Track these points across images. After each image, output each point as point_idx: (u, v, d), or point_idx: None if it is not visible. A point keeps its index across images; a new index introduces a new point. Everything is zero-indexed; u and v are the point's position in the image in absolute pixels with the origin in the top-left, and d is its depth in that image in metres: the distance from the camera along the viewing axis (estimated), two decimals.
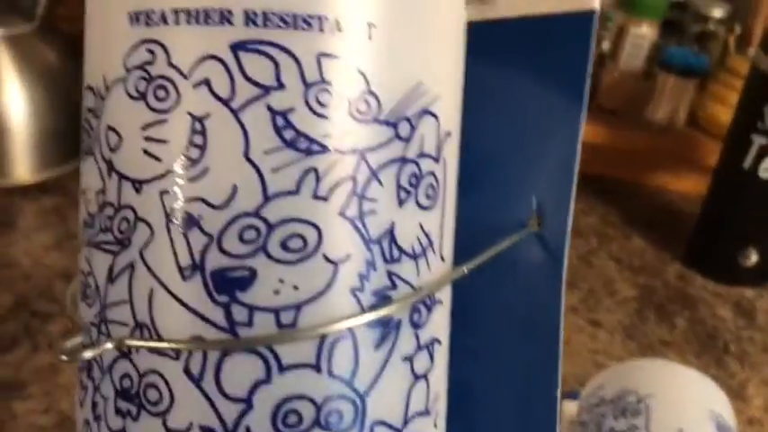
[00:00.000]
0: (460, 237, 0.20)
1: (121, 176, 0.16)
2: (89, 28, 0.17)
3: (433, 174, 0.17)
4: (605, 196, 0.68)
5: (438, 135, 0.17)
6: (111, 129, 0.16)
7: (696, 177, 0.67)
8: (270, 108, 0.15)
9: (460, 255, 0.20)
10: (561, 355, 0.21)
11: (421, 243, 0.17)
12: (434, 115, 0.17)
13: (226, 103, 0.15)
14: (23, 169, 0.56)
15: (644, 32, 0.66)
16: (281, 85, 0.15)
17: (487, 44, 0.18)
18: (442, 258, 0.18)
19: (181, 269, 0.15)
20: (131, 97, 0.16)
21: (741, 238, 0.58)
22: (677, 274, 0.60)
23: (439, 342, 0.18)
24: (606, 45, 0.69)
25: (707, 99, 0.68)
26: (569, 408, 0.41)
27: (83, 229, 0.17)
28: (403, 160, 0.17)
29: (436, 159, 0.17)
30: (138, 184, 0.16)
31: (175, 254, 0.15)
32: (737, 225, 0.58)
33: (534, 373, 0.22)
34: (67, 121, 0.58)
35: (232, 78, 0.15)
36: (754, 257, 0.57)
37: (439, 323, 0.18)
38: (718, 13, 0.68)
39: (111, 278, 0.16)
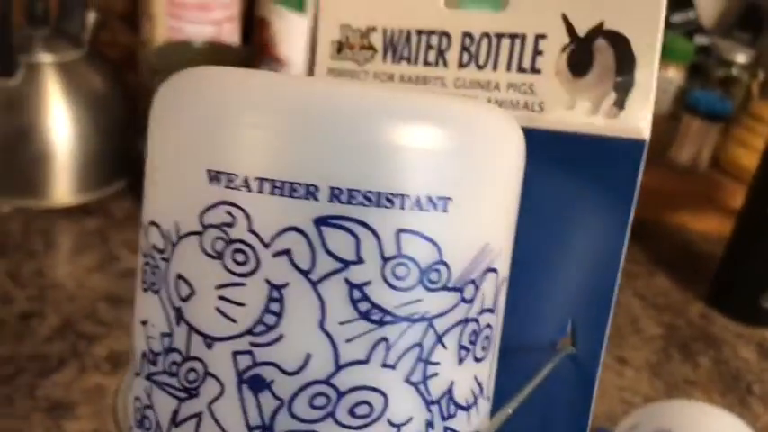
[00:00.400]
0: None
1: (192, 328, 0.16)
2: (157, 163, 0.17)
3: (489, 325, 0.18)
4: (630, 234, 0.69)
5: (496, 286, 0.18)
6: (182, 278, 0.16)
7: (718, 218, 0.68)
8: (348, 281, 0.15)
9: None
10: None
11: (474, 393, 0.18)
12: (495, 270, 0.18)
13: (305, 274, 0.15)
14: (66, 191, 0.58)
15: (671, 76, 0.68)
16: (360, 260, 0.15)
17: (531, 152, 0.19)
18: (489, 399, 0.19)
19: (250, 428, 0.16)
20: (207, 254, 0.16)
21: (763, 280, 0.59)
22: (700, 313, 0.61)
23: None
24: None
25: (730, 143, 0.69)
26: None
27: (141, 359, 0.18)
28: (466, 321, 0.17)
29: (493, 310, 0.18)
30: (209, 340, 0.16)
31: (245, 413, 0.16)
32: (760, 267, 0.59)
33: None
34: (110, 145, 0.60)
35: (313, 251, 0.15)
36: None
37: None
38: (741, 58, 0.70)
39: (175, 422, 0.17)
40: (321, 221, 0.15)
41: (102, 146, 0.59)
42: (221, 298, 0.16)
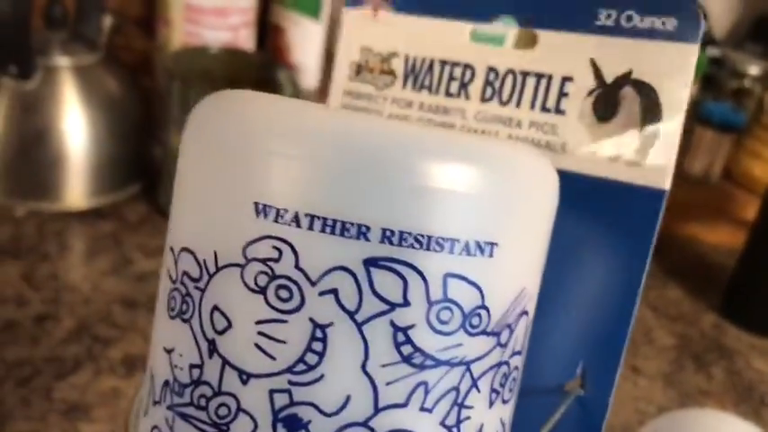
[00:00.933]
0: None
1: (226, 362, 0.16)
2: (191, 188, 0.17)
3: (517, 368, 0.18)
4: None
5: (527, 329, 0.18)
6: (218, 310, 0.16)
7: (730, 229, 0.68)
8: (393, 324, 0.15)
9: None
10: None
11: None
12: (527, 313, 0.18)
13: (351, 314, 0.15)
14: (81, 194, 0.58)
15: None
16: (406, 303, 0.15)
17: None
18: None
19: None
20: (249, 288, 0.16)
21: None
22: (713, 324, 0.61)
23: None
24: None
25: (742, 154, 0.69)
26: None
27: (163, 388, 0.17)
28: (499, 365, 0.17)
29: (521, 353, 0.18)
30: (245, 376, 0.16)
31: None
32: None
33: None
34: (125, 149, 0.60)
35: (360, 292, 0.15)
36: None
37: None
38: (754, 70, 0.70)
39: None
40: (371, 262, 0.15)
41: (117, 149, 0.59)
42: (261, 334, 0.16)
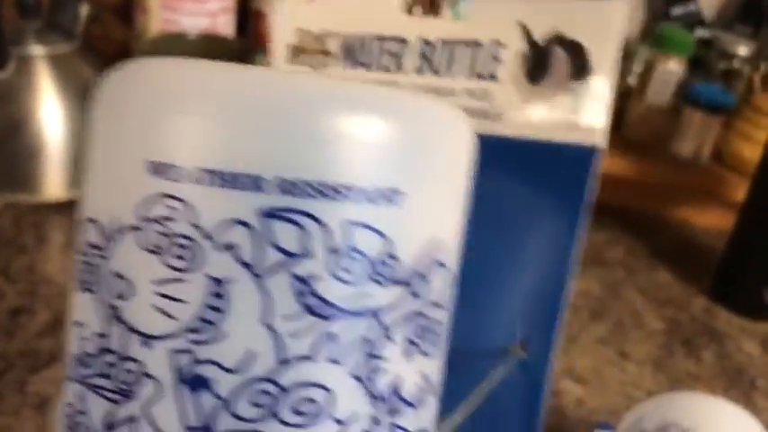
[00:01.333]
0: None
1: (128, 327, 0.16)
2: (95, 157, 0.17)
3: (437, 321, 0.17)
4: (630, 228, 0.68)
5: (446, 282, 0.18)
6: (118, 276, 0.16)
7: (720, 212, 0.67)
8: (294, 275, 0.15)
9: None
10: None
11: (421, 389, 0.17)
12: (443, 265, 0.17)
13: (250, 268, 0.15)
14: (58, 186, 0.57)
15: (671, 68, 0.67)
16: (307, 253, 0.15)
17: (487, 158, 0.19)
18: (436, 395, 0.18)
19: (188, 429, 0.15)
20: (146, 250, 0.15)
21: (767, 273, 0.58)
22: (703, 307, 0.60)
23: None
24: (633, 79, 0.70)
25: (731, 135, 0.68)
26: None
27: (73, 363, 0.17)
28: (414, 315, 0.17)
29: (442, 306, 0.18)
30: (146, 340, 0.15)
31: (184, 414, 0.15)
32: (764, 261, 0.58)
33: None
34: None
35: (258, 244, 0.15)
36: None
37: None
38: (743, 51, 0.69)
39: (109, 426, 0.16)
40: (268, 214, 0.15)
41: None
42: (160, 295, 0.15)
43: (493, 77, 0.21)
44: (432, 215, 0.17)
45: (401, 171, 0.16)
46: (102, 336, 0.16)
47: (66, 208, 0.57)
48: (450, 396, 0.19)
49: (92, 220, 0.17)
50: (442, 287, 0.17)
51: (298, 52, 0.24)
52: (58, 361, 0.42)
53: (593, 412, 0.46)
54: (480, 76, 0.21)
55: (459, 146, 0.17)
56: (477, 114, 0.21)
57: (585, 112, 0.20)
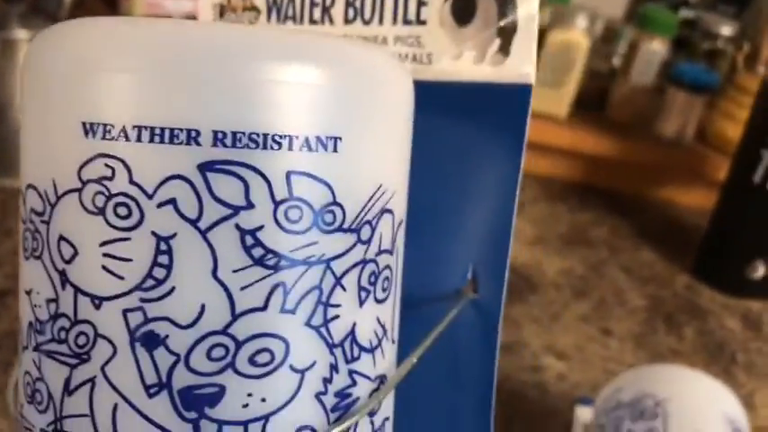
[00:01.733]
0: None
1: (78, 290, 0.16)
2: (29, 122, 0.16)
3: (388, 267, 0.18)
4: (615, 208, 0.69)
5: (393, 228, 0.18)
6: (64, 239, 0.16)
7: (704, 191, 0.68)
8: (239, 227, 0.15)
9: None
10: (493, 406, 0.22)
11: (377, 335, 0.18)
12: (391, 211, 0.17)
13: (193, 223, 0.15)
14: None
15: (655, 48, 0.67)
16: (250, 205, 0.15)
17: (423, 104, 0.19)
18: (393, 341, 0.19)
19: (146, 387, 0.15)
20: (88, 211, 0.15)
21: (749, 251, 0.59)
22: (686, 285, 0.61)
23: (388, 418, 0.19)
24: (618, 60, 0.71)
25: (715, 115, 0.69)
26: (583, 413, 0.42)
27: (27, 331, 0.17)
28: (364, 262, 0.17)
29: (391, 252, 0.18)
30: (97, 301, 0.15)
31: (140, 372, 0.15)
32: (746, 238, 0.59)
33: (463, 422, 0.23)
34: None
35: (200, 198, 0.15)
36: (761, 270, 0.58)
37: (388, 403, 0.19)
38: (727, 31, 0.70)
39: (67, 390, 0.16)
40: (206, 167, 0.15)
41: None
42: (106, 255, 0.15)
43: (421, 22, 0.21)
44: (374, 162, 0.17)
45: (339, 118, 0.16)
46: (52, 301, 0.16)
47: None
48: (407, 342, 0.19)
49: (32, 186, 0.16)
50: (390, 233, 0.18)
51: (224, 10, 0.24)
52: None
53: (574, 387, 0.47)
54: (408, 22, 0.21)
55: (397, 92, 0.17)
56: (408, 60, 0.21)
57: (515, 51, 0.20)
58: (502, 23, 0.21)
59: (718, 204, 0.60)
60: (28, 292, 0.17)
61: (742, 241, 0.59)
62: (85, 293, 0.15)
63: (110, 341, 0.15)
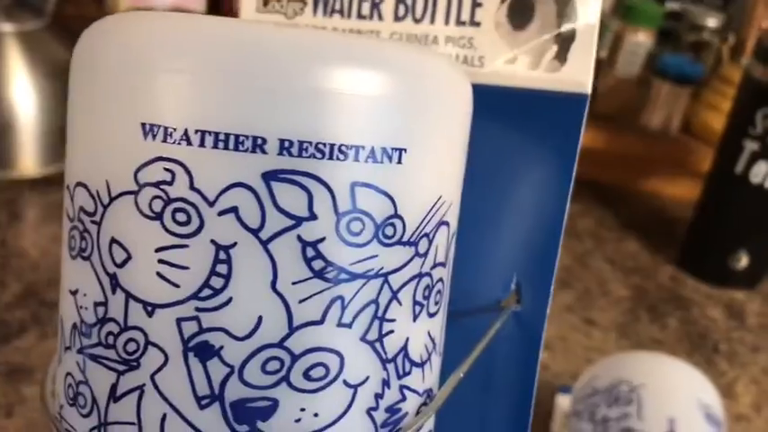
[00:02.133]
0: None
1: (130, 296, 0.15)
2: (81, 119, 0.16)
3: (441, 280, 0.17)
4: (601, 199, 0.69)
5: (448, 240, 0.17)
6: (116, 242, 0.15)
7: (689, 183, 0.68)
8: (300, 239, 0.15)
9: None
10: (530, 421, 0.21)
11: (427, 349, 0.17)
12: (447, 223, 0.17)
13: (254, 232, 0.14)
14: (31, 163, 0.57)
15: (640, 40, 0.68)
16: (313, 216, 0.15)
17: (475, 109, 0.18)
18: (440, 354, 0.18)
19: (198, 398, 0.15)
20: (144, 215, 0.15)
21: (732, 241, 0.59)
22: (670, 275, 0.61)
23: (431, 431, 0.19)
24: (603, 52, 0.71)
25: (700, 106, 0.69)
26: (563, 402, 0.42)
27: (71, 332, 0.16)
28: (420, 275, 0.16)
29: (444, 264, 0.17)
30: (150, 308, 0.15)
31: (192, 383, 0.15)
32: (729, 229, 0.59)
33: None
34: None
35: (263, 208, 0.14)
36: (744, 260, 0.59)
37: (432, 418, 0.18)
38: (712, 23, 0.70)
39: (114, 396, 0.16)
40: (270, 176, 0.14)
41: (66, 118, 0.58)
42: (162, 261, 0.15)
43: (475, 23, 0.21)
44: (435, 173, 0.16)
45: (404, 128, 0.15)
46: (101, 305, 0.16)
47: (39, 184, 0.57)
48: (446, 353, 0.19)
49: (81, 185, 0.16)
50: (445, 246, 0.17)
51: (267, 0, 0.23)
52: (29, 331, 0.43)
53: (556, 376, 0.47)
54: (462, 22, 0.21)
55: (459, 100, 0.17)
56: (460, 62, 0.21)
57: (572, 57, 0.20)
58: (560, 30, 0.20)
59: (702, 195, 0.60)
60: (73, 292, 0.16)
61: (725, 232, 0.59)
62: (137, 299, 0.15)
63: (161, 349, 0.15)
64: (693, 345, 0.53)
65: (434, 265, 0.17)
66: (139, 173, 0.15)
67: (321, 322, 0.15)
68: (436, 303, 0.17)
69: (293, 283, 0.15)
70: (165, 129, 0.14)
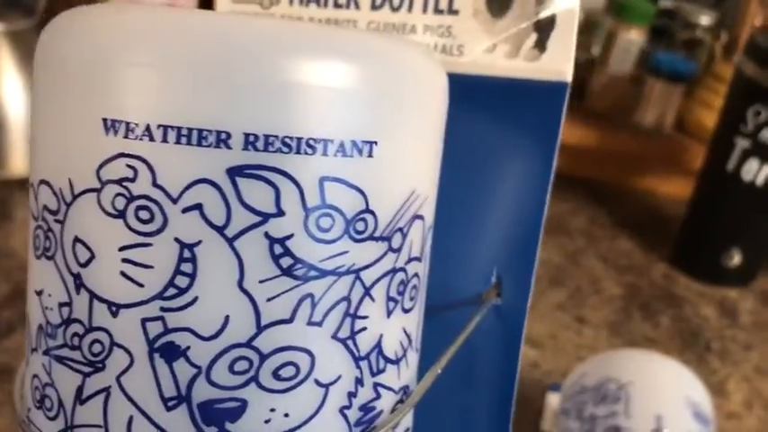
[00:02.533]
0: None
1: (94, 296, 0.15)
2: (44, 115, 0.15)
3: (416, 275, 0.17)
4: (593, 198, 0.69)
5: (423, 234, 0.17)
6: (80, 241, 0.15)
7: (682, 180, 0.68)
8: (268, 235, 0.14)
9: None
10: (512, 413, 0.21)
11: (403, 346, 0.17)
12: (422, 217, 0.17)
13: (220, 230, 0.14)
14: (21, 162, 0.57)
15: (633, 38, 0.68)
16: (280, 212, 0.14)
17: (451, 98, 0.18)
18: (417, 350, 0.18)
19: (165, 399, 0.15)
20: (107, 213, 0.14)
21: (725, 239, 0.59)
22: (663, 273, 0.61)
23: (408, 429, 0.18)
24: (596, 50, 0.71)
25: (693, 104, 0.69)
26: (553, 400, 0.42)
27: (37, 333, 0.16)
28: (394, 271, 0.16)
29: (420, 259, 0.17)
30: (114, 308, 0.15)
31: (158, 384, 0.15)
32: (721, 227, 0.59)
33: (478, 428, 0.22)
34: None
35: (228, 205, 0.14)
36: (737, 258, 0.59)
37: (409, 414, 0.18)
38: (705, 20, 0.70)
39: (80, 399, 0.15)
40: (235, 171, 0.14)
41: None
42: (125, 261, 0.14)
43: (453, 12, 0.20)
44: (408, 167, 0.16)
45: (374, 121, 0.15)
46: (66, 305, 0.15)
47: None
48: (426, 347, 0.19)
49: (45, 183, 0.15)
50: (420, 240, 0.17)
51: None
52: (18, 331, 0.43)
53: (547, 375, 0.47)
54: (440, 11, 0.20)
55: (432, 91, 0.17)
56: (438, 51, 0.20)
57: (551, 45, 0.19)
58: (539, 17, 0.20)
59: (695, 193, 0.60)
60: (38, 293, 0.16)
61: (717, 229, 0.59)
62: (102, 299, 0.15)
63: (127, 350, 0.15)
64: (686, 343, 0.53)
65: (409, 260, 0.17)
66: (101, 170, 0.14)
67: (290, 321, 0.15)
68: (412, 299, 0.17)
69: (261, 282, 0.14)
70: (127, 124, 0.14)
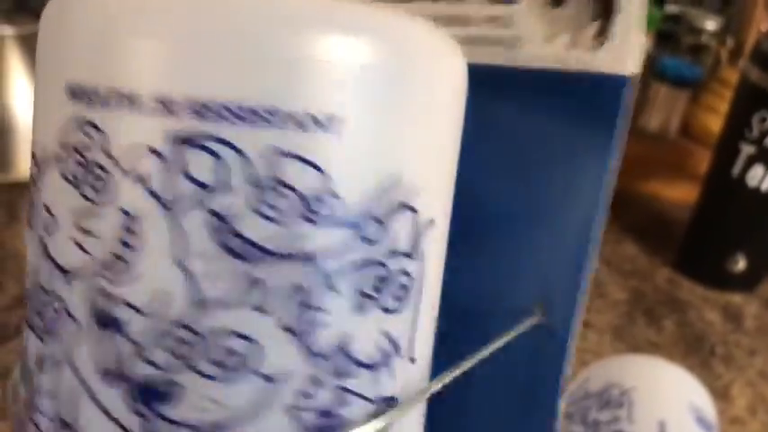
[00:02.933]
0: (455, 309, 0.17)
1: (54, 263, 0.15)
2: (35, 88, 0.16)
3: (404, 272, 0.16)
4: None
5: (416, 229, 0.16)
6: (46, 208, 0.15)
7: (688, 186, 0.68)
8: (212, 211, 0.13)
9: (454, 328, 0.18)
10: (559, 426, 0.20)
11: (383, 351, 0.16)
12: (412, 208, 0.15)
13: (163, 202, 0.13)
14: (29, 165, 0.58)
15: None
16: (227, 187, 0.13)
17: (508, 93, 0.17)
18: (412, 360, 0.16)
19: (105, 374, 0.14)
20: (66, 180, 0.14)
21: (729, 244, 0.59)
22: (667, 278, 0.61)
23: None
24: None
25: (699, 109, 0.69)
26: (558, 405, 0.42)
27: (25, 301, 0.16)
28: (366, 263, 0.15)
29: (410, 255, 0.16)
30: (67, 276, 0.14)
31: (99, 357, 0.14)
32: (726, 232, 0.59)
33: None
34: None
35: (172, 176, 0.13)
36: (741, 263, 0.59)
37: (409, 428, 0.17)
38: (711, 26, 0.70)
39: (40, 366, 0.15)
40: (181, 141, 0.13)
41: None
42: (79, 228, 0.14)
43: (511, 1, 0.19)
44: (389, 149, 0.15)
45: (344, 96, 0.14)
46: (36, 272, 0.15)
47: None
48: (463, 359, 0.17)
49: (32, 154, 0.16)
50: (409, 234, 0.15)
51: None
52: None
53: None
54: (497, 0, 0.19)
55: (435, 71, 0.15)
56: (495, 42, 0.19)
57: (614, 36, 0.18)
58: (601, 5, 0.18)
59: (699, 198, 0.60)
60: (29, 263, 0.16)
61: (722, 234, 0.59)
62: (58, 266, 0.14)
63: (75, 320, 0.14)
64: (690, 348, 0.53)
65: (391, 255, 0.15)
66: (64, 136, 0.14)
67: (234, 304, 0.14)
68: (397, 299, 0.15)
69: (201, 258, 0.13)
70: (87, 89, 0.14)
